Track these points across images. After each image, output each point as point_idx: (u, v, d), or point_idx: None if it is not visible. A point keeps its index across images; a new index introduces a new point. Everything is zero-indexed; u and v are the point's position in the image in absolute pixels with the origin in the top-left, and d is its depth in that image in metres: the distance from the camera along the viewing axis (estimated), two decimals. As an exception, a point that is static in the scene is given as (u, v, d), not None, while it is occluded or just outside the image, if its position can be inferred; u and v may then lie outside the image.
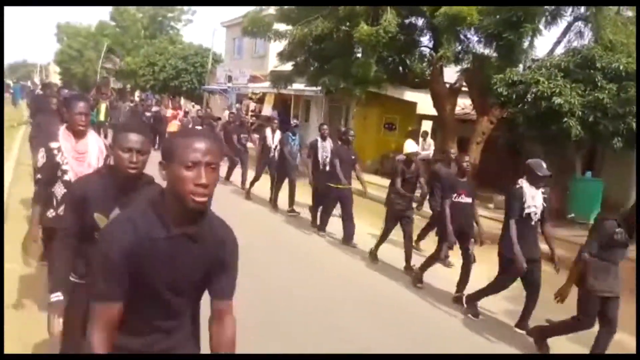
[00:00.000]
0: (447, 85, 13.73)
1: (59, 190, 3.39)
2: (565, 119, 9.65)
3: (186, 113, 16.25)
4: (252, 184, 10.97)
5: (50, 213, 3.46)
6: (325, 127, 9.37)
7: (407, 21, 13.44)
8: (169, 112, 17.74)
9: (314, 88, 15.80)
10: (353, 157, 8.17)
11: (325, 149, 8.83)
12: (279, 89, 17.26)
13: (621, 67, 9.85)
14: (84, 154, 3.41)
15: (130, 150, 2.39)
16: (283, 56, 15.57)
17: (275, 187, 10.25)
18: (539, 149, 11.99)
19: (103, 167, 2.76)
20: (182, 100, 30.08)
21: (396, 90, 15.41)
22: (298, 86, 17.11)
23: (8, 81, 33.31)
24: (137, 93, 37.93)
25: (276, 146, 10.26)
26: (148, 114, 18.13)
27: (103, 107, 16.26)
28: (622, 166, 10.44)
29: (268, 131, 10.56)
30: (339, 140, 8.36)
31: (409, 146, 7.07)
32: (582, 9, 12.37)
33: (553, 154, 11.61)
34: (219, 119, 17.84)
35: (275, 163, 10.23)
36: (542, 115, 10.07)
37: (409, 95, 15.52)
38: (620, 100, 9.57)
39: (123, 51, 45.08)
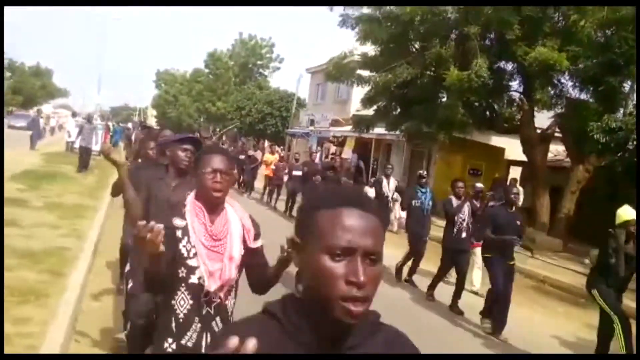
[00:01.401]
0: (539, 131, 13.04)
1: (184, 304, 2.12)
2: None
3: (282, 157, 15.29)
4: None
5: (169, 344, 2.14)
6: (460, 183, 7.03)
7: (496, 66, 13.04)
8: (266, 156, 16.88)
9: (395, 132, 15.63)
10: (519, 222, 5.95)
11: (464, 212, 6.79)
12: (360, 132, 17.25)
13: None
14: (222, 241, 2.17)
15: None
16: (366, 101, 15.61)
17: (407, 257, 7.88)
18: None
19: None
20: (266, 143, 31.01)
21: (482, 135, 14.90)
22: (379, 130, 17.01)
23: (109, 123, 35.99)
24: (224, 137, 39.66)
25: (393, 196, 9.23)
26: (242, 156, 17.75)
27: None
28: None
29: (382, 178, 9.65)
30: (506, 200, 6.14)
31: (628, 212, 5.24)
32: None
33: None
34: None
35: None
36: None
37: (496, 140, 14.95)
38: None
39: (214, 97, 47.66)
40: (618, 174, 9.96)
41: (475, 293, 7.34)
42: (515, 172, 15.22)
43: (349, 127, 22.04)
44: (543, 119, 13.40)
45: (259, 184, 17.23)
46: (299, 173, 12.72)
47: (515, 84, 14.07)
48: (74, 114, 23.62)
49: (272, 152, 17.38)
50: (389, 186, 8.89)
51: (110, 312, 5.01)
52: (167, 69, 57.00)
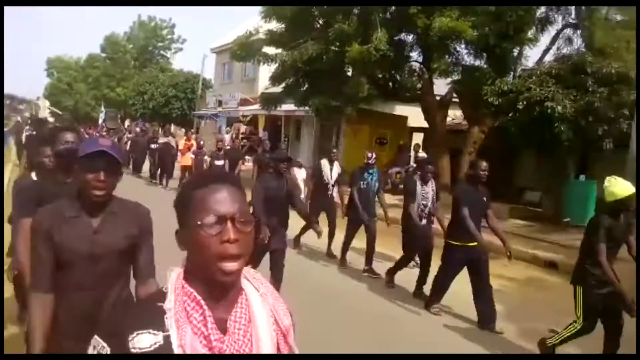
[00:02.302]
0: (438, 98, 13.73)
1: None
2: (557, 124, 9.61)
3: (201, 145, 13.79)
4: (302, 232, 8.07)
5: None
6: (430, 167, 6.49)
7: (396, 38, 13.49)
8: (181, 144, 15.70)
9: (304, 108, 15.78)
10: (485, 199, 5.45)
11: (427, 194, 6.33)
12: (270, 110, 17.23)
13: (613, 71, 9.89)
14: None
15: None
16: (274, 78, 15.58)
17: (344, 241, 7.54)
18: (531, 156, 11.98)
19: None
20: (172, 127, 30.06)
21: (386, 106, 15.44)
22: (288, 107, 17.08)
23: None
24: (126, 122, 37.91)
25: (335, 183, 8.12)
26: (154, 145, 16.34)
27: None
28: (614, 167, 10.33)
29: (324, 163, 8.22)
30: (467, 178, 5.95)
31: (623, 186, 4.13)
32: (573, 14, 12.54)
33: (544, 159, 11.60)
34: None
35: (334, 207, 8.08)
36: (534, 122, 10.05)
37: (400, 109, 15.56)
38: (612, 104, 9.57)
39: (112, 82, 45.28)
40: (511, 133, 10.69)
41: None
42: (417, 138, 15.94)
43: (257, 106, 21.93)
44: (441, 86, 14.12)
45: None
46: (221, 163, 11.86)
47: (415, 55, 14.68)
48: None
49: (189, 139, 16.02)
50: (332, 172, 8.02)
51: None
52: (59, 55, 53.14)
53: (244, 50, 15.50)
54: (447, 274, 5.47)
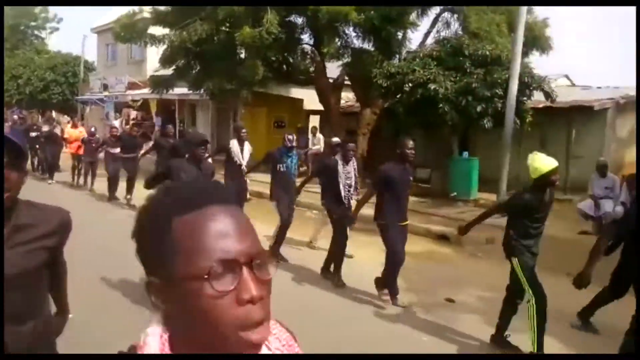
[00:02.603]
0: (331, 81, 14.06)
1: None
2: (441, 105, 10.28)
3: (92, 133, 12.68)
4: None
5: None
6: (351, 145, 6.71)
7: (287, 19, 13.55)
8: (68, 132, 14.53)
9: (198, 92, 15.43)
10: (411, 178, 5.57)
11: (349, 174, 6.39)
12: (161, 94, 16.63)
13: (487, 53, 10.73)
14: None
15: None
16: (164, 60, 15.02)
17: None
18: (420, 135, 12.71)
19: None
20: (54, 114, 27.92)
21: (282, 89, 15.54)
22: (181, 90, 16.59)
23: None
24: None
25: (247, 164, 7.83)
26: (33, 134, 14.63)
27: None
28: (493, 144, 11.37)
29: (234, 143, 7.73)
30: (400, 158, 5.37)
31: (545, 161, 4.16)
32: (448, -1, 13.28)
33: (432, 138, 12.40)
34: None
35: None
36: (420, 103, 10.66)
37: (295, 92, 15.73)
38: (488, 84, 10.40)
39: (-20, 65, 40.92)
40: (400, 114, 11.26)
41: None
42: (314, 121, 16.25)
43: (147, 90, 21.01)
44: (334, 69, 14.46)
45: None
46: (117, 151, 11.15)
47: (306, 37, 14.85)
48: None
49: (75, 126, 15.29)
50: (243, 153, 7.62)
51: None
52: None
53: (128, 31, 14.79)
54: (396, 250, 5.23)
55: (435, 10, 13.83)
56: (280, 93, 15.81)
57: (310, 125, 15.76)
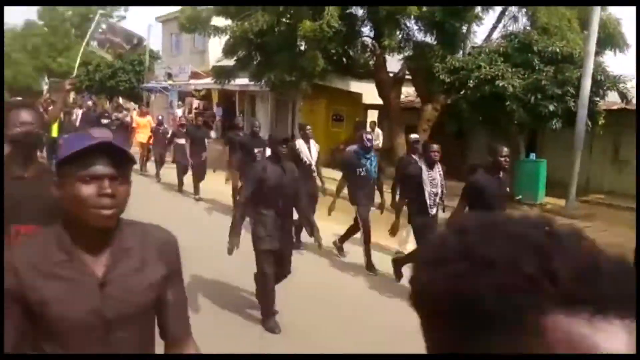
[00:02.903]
0: (391, 75, 13.84)
1: None
2: (508, 102, 9.91)
3: (160, 122, 12.99)
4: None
5: None
6: (434, 146, 5.77)
7: (347, 12, 13.42)
8: (137, 120, 14.57)
9: (258, 83, 15.59)
10: (507, 189, 5.35)
11: (434, 180, 5.65)
12: (222, 84, 16.91)
13: (557, 50, 10.24)
14: None
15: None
16: (226, 51, 15.26)
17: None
18: (483, 134, 12.35)
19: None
20: (121, 100, 29.03)
21: (342, 82, 15.43)
22: (242, 81, 16.81)
23: None
24: (72, 95, 36.32)
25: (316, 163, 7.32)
26: (105, 121, 14.34)
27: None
28: (562, 145, 10.87)
29: (300, 143, 7.29)
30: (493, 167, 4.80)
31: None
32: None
33: (496, 137, 11.99)
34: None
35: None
36: (485, 100, 10.32)
37: (355, 85, 15.58)
38: (558, 82, 9.93)
39: (54, 52, 43.08)
40: (463, 111, 10.95)
41: None
42: (372, 115, 16.08)
43: (209, 80, 21.42)
44: (394, 63, 14.22)
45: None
46: (183, 142, 10.97)
47: (366, 30, 14.68)
48: None
49: (143, 114, 15.03)
50: (311, 152, 7.24)
51: None
52: (-9, 23, 49.97)
53: (193, 22, 15.09)
54: None
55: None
56: (339, 86, 15.72)
57: (369, 119, 15.60)
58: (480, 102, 10.45)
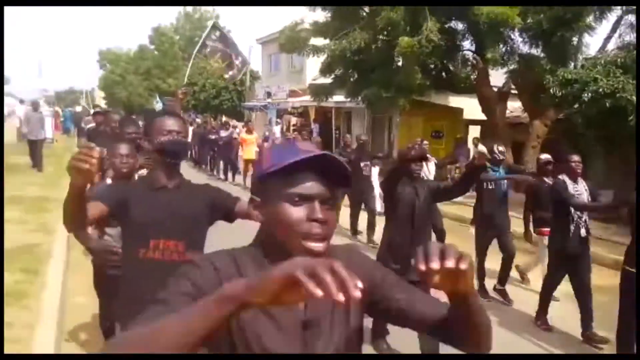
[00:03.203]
0: (495, 89, 13.29)
1: None
2: (631, 117, 9.10)
3: (266, 138, 13.64)
4: None
5: None
6: (575, 157, 5.01)
7: (446, 26, 13.12)
8: (243, 137, 14.77)
9: (355, 100, 15.66)
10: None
11: (581, 195, 4.86)
12: (319, 102, 17.16)
13: (683, 60, 9.29)
14: None
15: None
16: (324, 69, 15.50)
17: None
18: (600, 151, 11.45)
19: None
20: (224, 118, 30.41)
21: (440, 97, 15.05)
22: (338, 98, 16.98)
23: (57, 109, 34.40)
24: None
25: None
26: (212, 136, 16.02)
27: None
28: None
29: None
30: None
31: None
32: (633, -1, 11.82)
33: (615, 154, 11.05)
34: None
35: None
36: (603, 115, 9.55)
37: (454, 101, 15.13)
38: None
39: (163, 74, 46.28)
40: (578, 126, 10.23)
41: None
42: (474, 131, 15.51)
43: (306, 97, 21.86)
44: (497, 77, 13.65)
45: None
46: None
47: (467, 43, 14.26)
48: (22, 101, 22.32)
49: (250, 131, 14.92)
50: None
51: (96, 306, 4.89)
52: (110, 48, 54.74)
53: (292, 43, 15.49)
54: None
55: (616, 11, 12.35)
56: (438, 101, 15.35)
57: (471, 136, 15.05)
58: (597, 117, 9.69)
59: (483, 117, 13.55)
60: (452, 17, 13.13)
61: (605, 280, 6.79)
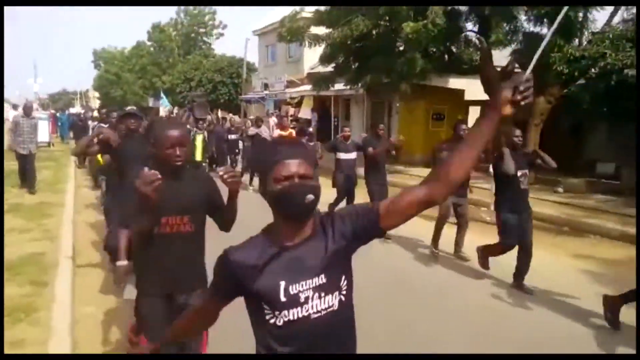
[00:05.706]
0: (499, 69, 13.03)
1: None
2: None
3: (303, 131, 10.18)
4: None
5: None
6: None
7: (450, 8, 12.85)
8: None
9: (354, 87, 15.43)
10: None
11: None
12: (319, 91, 16.92)
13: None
14: None
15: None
16: (324, 58, 15.25)
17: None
18: (603, 128, 11.25)
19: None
20: (220, 112, 30.20)
21: (440, 79, 14.81)
22: (337, 86, 16.75)
23: (53, 111, 34.08)
24: (175, 109, 38.36)
25: None
26: (232, 136, 13.84)
27: (200, 139, 11.06)
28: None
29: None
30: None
31: None
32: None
33: (619, 129, 10.85)
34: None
35: None
36: (612, 91, 9.35)
37: (454, 82, 14.87)
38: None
39: (159, 70, 45.98)
40: (584, 103, 10.03)
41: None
42: (475, 112, 15.26)
43: (304, 87, 21.62)
44: (499, 57, 13.39)
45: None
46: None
47: (470, 25, 14.00)
48: (15, 107, 21.93)
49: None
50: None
51: (106, 314, 4.73)
52: (104, 47, 54.36)
53: (292, 33, 15.20)
54: None
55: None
56: (438, 84, 15.10)
57: (471, 117, 14.82)
58: (605, 93, 9.49)
59: (485, 97, 13.29)
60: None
61: (608, 253, 6.61)
